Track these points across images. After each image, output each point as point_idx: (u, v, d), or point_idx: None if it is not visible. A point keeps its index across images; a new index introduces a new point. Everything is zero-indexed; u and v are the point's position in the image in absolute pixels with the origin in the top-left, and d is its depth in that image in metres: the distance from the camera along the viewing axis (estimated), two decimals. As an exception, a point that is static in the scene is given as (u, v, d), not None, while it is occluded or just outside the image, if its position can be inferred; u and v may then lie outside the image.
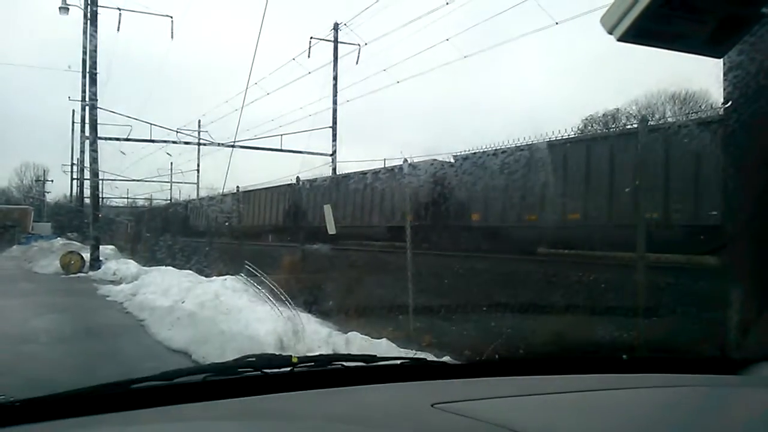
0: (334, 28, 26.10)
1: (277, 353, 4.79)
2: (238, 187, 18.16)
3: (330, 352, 6.26)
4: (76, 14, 23.04)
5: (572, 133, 11.07)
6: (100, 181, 24.47)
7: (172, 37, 27.80)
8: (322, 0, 53.33)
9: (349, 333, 7.09)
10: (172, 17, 25.69)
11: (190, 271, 13.69)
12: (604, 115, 24.27)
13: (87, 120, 21.26)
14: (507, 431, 1.44)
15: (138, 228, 27.59)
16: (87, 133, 21.45)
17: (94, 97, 20.53)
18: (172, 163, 39.01)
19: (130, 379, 1.68)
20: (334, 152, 25.89)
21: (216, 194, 20.83)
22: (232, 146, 18.49)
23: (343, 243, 12.73)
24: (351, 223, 14.18)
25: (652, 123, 11.26)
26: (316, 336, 7.09)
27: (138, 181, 37.50)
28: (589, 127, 22.56)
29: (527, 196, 9.86)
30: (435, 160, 11.42)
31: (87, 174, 24.34)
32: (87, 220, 23.47)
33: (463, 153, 11.19)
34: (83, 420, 1.53)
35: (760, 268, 3.03)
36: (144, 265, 18.20)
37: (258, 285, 8.56)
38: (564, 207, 9.07)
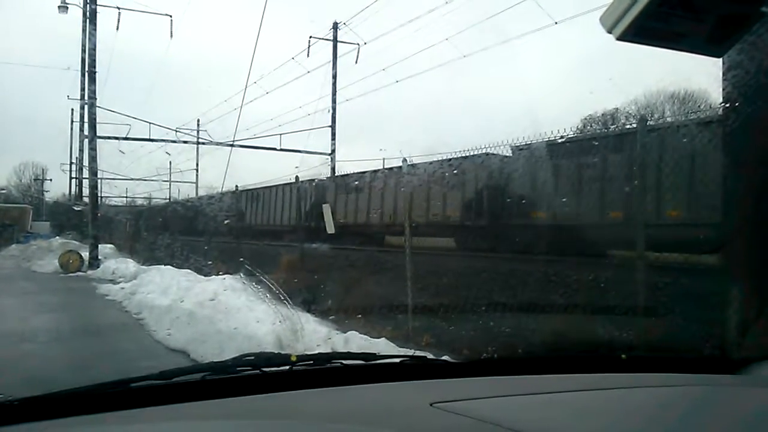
0: (333, 28, 26.16)
1: (275, 352, 4.79)
2: (236, 186, 18.09)
3: (329, 351, 6.26)
4: (76, 13, 23.10)
5: (572, 132, 10.97)
6: (99, 180, 24.46)
7: (171, 36, 27.81)
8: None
9: (348, 332, 7.08)
10: (171, 16, 25.69)
11: (189, 270, 13.69)
12: (603, 114, 24.24)
13: (86, 119, 21.27)
14: (506, 430, 1.44)
15: (137, 227, 27.59)
16: (86, 132, 21.45)
17: (93, 95, 20.55)
18: (171, 163, 39.02)
19: (128, 378, 1.68)
20: (333, 151, 25.93)
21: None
22: (231, 145, 18.54)
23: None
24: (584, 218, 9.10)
25: (651, 122, 11.20)
26: (314, 335, 7.09)
27: (137, 180, 37.50)
28: (589, 127, 22.54)
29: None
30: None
31: (86, 173, 24.33)
32: (86, 219, 23.47)
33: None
34: (82, 419, 1.53)
35: (760, 268, 3.03)
36: (143, 264, 18.20)
37: (257, 284, 8.57)
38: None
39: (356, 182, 14.33)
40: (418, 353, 4.18)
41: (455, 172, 11.36)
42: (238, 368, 1.83)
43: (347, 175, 14.74)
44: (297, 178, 15.77)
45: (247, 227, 18.38)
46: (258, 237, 16.66)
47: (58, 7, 23.49)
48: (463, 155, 10.75)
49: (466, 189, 11.63)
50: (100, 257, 20.56)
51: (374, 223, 13.78)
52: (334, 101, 26.16)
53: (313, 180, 15.56)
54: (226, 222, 16.88)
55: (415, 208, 11.88)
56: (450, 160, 11.24)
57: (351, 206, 14.55)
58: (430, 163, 11.65)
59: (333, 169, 23.90)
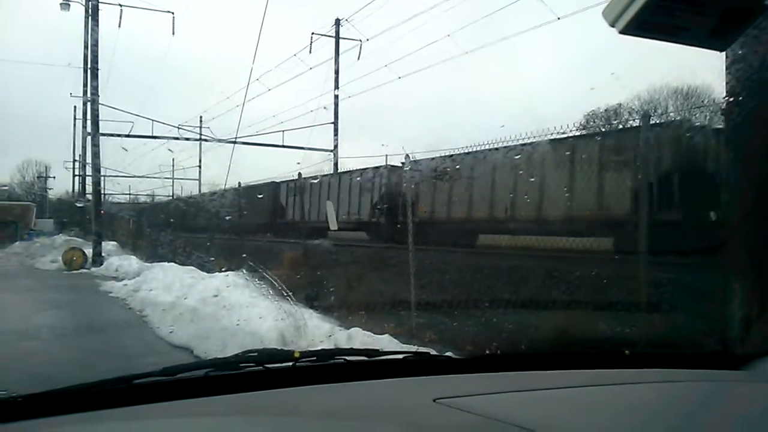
0: (335, 24, 26.14)
1: (278, 348, 4.79)
2: (238, 183, 18.02)
3: (332, 347, 6.26)
4: (78, 10, 23.05)
5: (574, 128, 10.82)
6: (102, 177, 24.43)
7: (173, 33, 27.70)
8: (324, -5, 53.44)
9: (352, 329, 7.09)
10: (173, 13, 25.55)
11: (192, 267, 13.71)
12: (606, 110, 24.17)
13: (89, 116, 21.27)
14: (509, 426, 1.44)
15: (140, 224, 27.62)
16: (89, 129, 21.47)
17: (95, 92, 20.54)
18: (173, 160, 39.05)
19: (132, 375, 1.68)
20: (336, 147, 25.91)
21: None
22: (234, 142, 18.52)
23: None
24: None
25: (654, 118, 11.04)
26: (318, 331, 7.09)
27: (140, 177, 37.47)
28: (591, 123, 22.47)
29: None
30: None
31: (89, 170, 24.33)
32: (89, 216, 23.51)
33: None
34: (85, 415, 1.53)
35: (763, 263, 3.03)
36: (146, 261, 18.21)
37: (260, 280, 8.58)
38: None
39: (449, 168, 11.24)
40: (421, 349, 4.18)
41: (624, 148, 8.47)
42: (241, 364, 1.83)
43: (439, 158, 11.69)
44: (299, 174, 15.77)
45: (286, 224, 16.61)
46: (308, 235, 13.95)
47: (60, 4, 23.47)
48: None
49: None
50: (103, 254, 20.59)
51: (459, 218, 11.43)
52: (336, 98, 26.16)
53: (390, 166, 13.51)
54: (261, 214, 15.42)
55: (547, 200, 9.48)
56: (622, 130, 8.20)
57: (441, 197, 11.90)
58: (580, 136, 8.70)
59: (336, 165, 23.91)
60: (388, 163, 14.00)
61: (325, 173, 16.78)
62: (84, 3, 21.61)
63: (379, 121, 54.11)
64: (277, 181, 19.02)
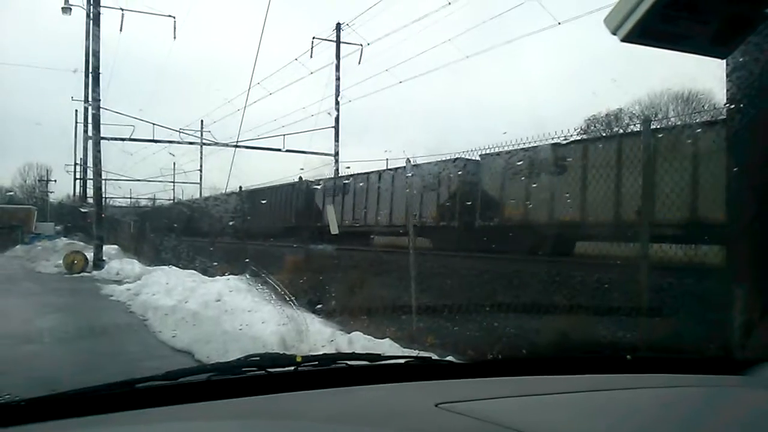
0: (336, 28, 26.18)
1: (280, 353, 4.79)
2: (239, 187, 17.97)
3: (333, 351, 6.26)
4: (80, 14, 23.10)
5: (575, 133, 10.81)
6: (104, 181, 24.43)
7: (174, 37, 27.73)
8: (325, 0, 53.59)
9: (353, 333, 7.09)
10: (174, 17, 25.57)
11: (194, 271, 13.70)
12: (607, 115, 24.20)
13: (90, 120, 21.29)
14: (511, 431, 1.44)
15: (141, 228, 27.63)
16: (90, 133, 21.48)
17: (97, 96, 20.56)
18: (175, 163, 39.14)
19: (134, 379, 1.68)
20: (337, 152, 25.93)
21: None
22: (235, 146, 18.52)
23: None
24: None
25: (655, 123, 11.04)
26: (319, 336, 7.09)
27: (141, 181, 37.55)
28: (592, 128, 22.48)
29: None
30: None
31: (90, 174, 24.36)
32: (90, 219, 23.51)
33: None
34: (88, 419, 1.53)
35: (764, 269, 3.03)
36: (147, 265, 18.21)
37: (262, 284, 8.57)
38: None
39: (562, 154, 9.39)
40: (422, 354, 4.18)
41: None
42: (244, 369, 1.83)
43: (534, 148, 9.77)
44: (300, 178, 15.78)
45: (321, 229, 14.24)
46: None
47: (62, 8, 23.51)
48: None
49: None
50: (104, 258, 20.57)
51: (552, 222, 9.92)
52: (337, 102, 26.19)
53: (456, 158, 11.99)
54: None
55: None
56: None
57: (541, 194, 10.32)
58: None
59: (336, 170, 23.93)
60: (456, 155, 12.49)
61: (375, 171, 15.92)
62: (85, 7, 21.68)
63: (380, 124, 54.22)
64: (311, 180, 18.21)
